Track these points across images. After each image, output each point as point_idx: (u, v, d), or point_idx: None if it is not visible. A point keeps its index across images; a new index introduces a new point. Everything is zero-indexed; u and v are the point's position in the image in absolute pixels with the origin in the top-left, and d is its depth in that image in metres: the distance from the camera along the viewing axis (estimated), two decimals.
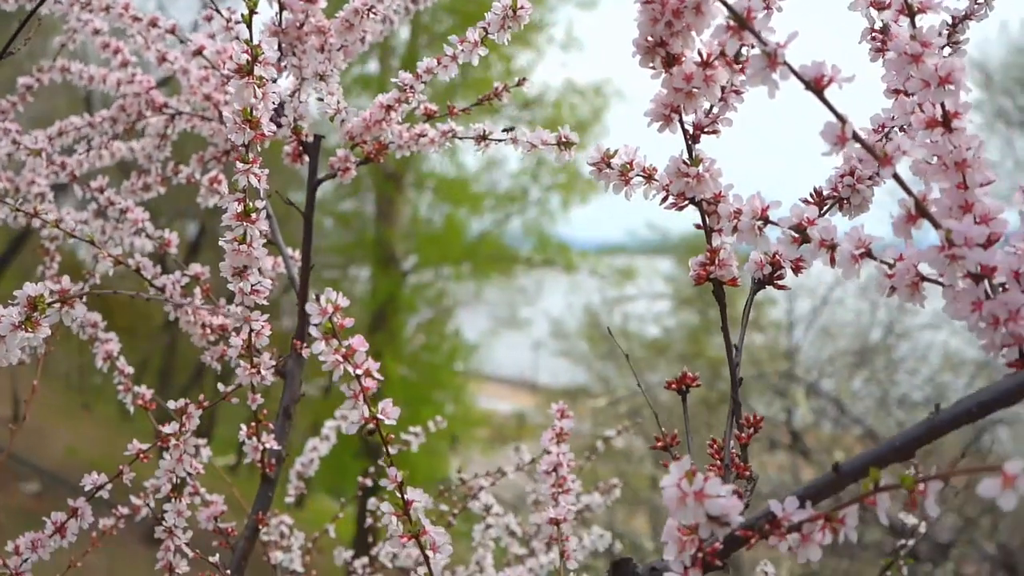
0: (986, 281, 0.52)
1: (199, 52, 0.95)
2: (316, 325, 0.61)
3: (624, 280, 10.50)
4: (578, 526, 1.48)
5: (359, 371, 0.62)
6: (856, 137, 0.50)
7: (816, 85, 0.51)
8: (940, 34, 0.58)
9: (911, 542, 1.08)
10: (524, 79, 0.98)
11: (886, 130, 0.69)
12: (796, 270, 0.68)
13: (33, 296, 0.67)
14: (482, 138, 0.94)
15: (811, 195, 0.70)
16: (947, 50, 0.72)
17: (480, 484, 1.33)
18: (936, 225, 0.51)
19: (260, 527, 0.98)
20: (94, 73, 1.25)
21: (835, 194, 0.69)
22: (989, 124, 8.98)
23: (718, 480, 0.50)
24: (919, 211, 0.51)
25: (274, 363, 0.91)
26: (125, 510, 1.12)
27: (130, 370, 1.10)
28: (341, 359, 0.62)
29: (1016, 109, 8.62)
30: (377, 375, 0.63)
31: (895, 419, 6.39)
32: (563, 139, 0.82)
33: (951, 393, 6.56)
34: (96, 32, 1.21)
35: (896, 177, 0.51)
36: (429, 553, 0.64)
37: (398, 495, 0.65)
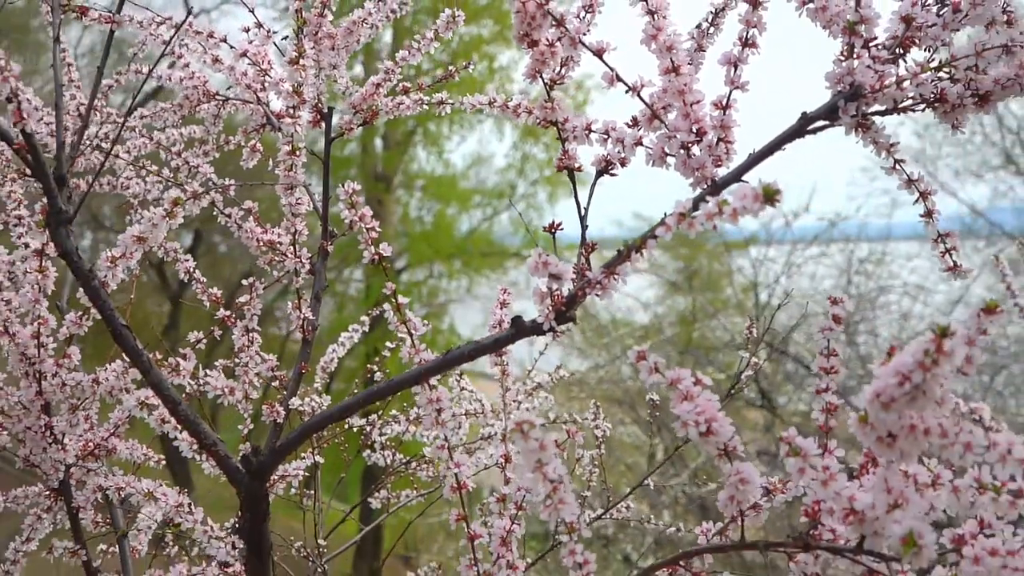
0: (695, 148, 1.00)
1: (244, 54, 1.42)
2: (341, 199, 1.09)
3: None
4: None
5: (368, 226, 1.10)
6: (619, 79, 0.98)
7: (598, 53, 0.98)
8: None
9: (744, 380, 1.56)
10: (469, 62, 1.47)
11: None
12: (622, 164, 1.15)
13: (173, 197, 1.14)
14: (441, 103, 1.43)
15: (631, 119, 1.17)
16: None
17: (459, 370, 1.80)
18: (662, 122, 0.99)
19: (303, 372, 1.46)
20: (162, 73, 1.72)
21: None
22: None
23: (557, 257, 0.97)
24: (653, 115, 0.99)
25: (310, 255, 1.39)
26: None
27: (204, 280, 1.57)
28: (357, 220, 1.09)
29: None
30: (378, 229, 1.10)
31: (858, 377, 6.91)
32: (492, 100, 1.29)
33: None
34: (165, 43, 1.68)
35: (642, 99, 0.99)
36: (412, 331, 1.12)
37: (393, 300, 1.13)
